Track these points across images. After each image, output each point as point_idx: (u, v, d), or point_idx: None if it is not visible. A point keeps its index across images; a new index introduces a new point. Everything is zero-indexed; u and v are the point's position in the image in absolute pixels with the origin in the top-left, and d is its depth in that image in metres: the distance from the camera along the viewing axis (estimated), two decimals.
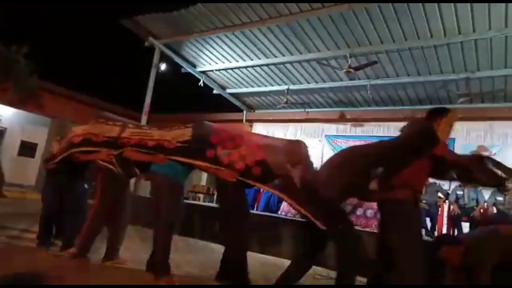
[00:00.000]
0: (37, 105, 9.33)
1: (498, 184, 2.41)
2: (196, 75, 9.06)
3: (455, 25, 5.73)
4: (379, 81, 7.89)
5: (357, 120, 9.29)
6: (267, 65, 8.27)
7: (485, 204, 5.62)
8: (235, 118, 10.86)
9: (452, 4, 5.30)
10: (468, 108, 7.67)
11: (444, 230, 6.13)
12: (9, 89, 8.36)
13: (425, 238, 4.92)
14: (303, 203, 2.78)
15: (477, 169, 2.40)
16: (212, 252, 4.65)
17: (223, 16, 6.64)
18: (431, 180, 5.38)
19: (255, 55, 7.91)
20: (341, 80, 8.34)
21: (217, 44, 7.71)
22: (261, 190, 5.86)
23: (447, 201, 6.11)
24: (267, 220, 5.43)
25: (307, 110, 9.98)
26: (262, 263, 4.08)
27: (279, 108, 9.53)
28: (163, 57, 8.31)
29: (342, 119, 9.42)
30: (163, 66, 8.82)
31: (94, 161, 3.46)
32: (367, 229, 4.94)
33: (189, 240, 5.37)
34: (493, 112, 7.77)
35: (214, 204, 7.48)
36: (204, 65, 8.81)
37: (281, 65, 8.18)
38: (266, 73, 8.74)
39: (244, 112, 10.94)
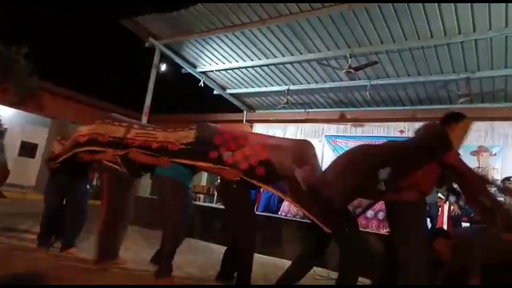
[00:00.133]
0: (37, 105, 9.32)
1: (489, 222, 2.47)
2: (196, 75, 9.06)
3: (455, 25, 5.73)
4: (379, 81, 7.88)
5: (357, 120, 9.28)
6: (267, 65, 8.27)
7: None
8: (236, 119, 10.85)
9: (452, 4, 5.30)
10: (469, 108, 7.64)
11: None
12: (9, 89, 8.35)
13: None
14: (309, 205, 2.75)
15: (484, 195, 2.44)
16: (212, 252, 4.66)
17: (223, 16, 6.64)
18: None
19: (255, 55, 7.91)
20: (341, 80, 8.33)
21: (217, 44, 7.71)
22: (261, 190, 5.83)
23: (447, 201, 6.10)
24: (267, 220, 5.42)
25: (307, 110, 9.98)
26: (262, 263, 4.07)
27: (280, 109, 9.54)
28: (163, 58, 8.31)
29: (342, 119, 9.40)
30: (163, 67, 8.82)
31: (97, 161, 3.47)
32: (367, 229, 4.95)
33: (190, 241, 5.36)
34: (493, 112, 7.76)
35: (214, 205, 7.49)
36: (204, 65, 8.81)
37: (281, 66, 8.18)
38: (266, 73, 8.74)
39: (245, 112, 10.93)
